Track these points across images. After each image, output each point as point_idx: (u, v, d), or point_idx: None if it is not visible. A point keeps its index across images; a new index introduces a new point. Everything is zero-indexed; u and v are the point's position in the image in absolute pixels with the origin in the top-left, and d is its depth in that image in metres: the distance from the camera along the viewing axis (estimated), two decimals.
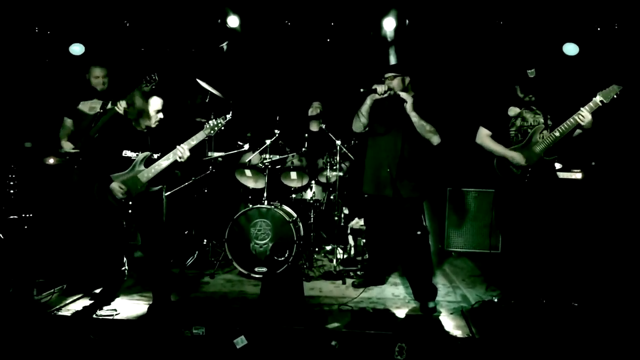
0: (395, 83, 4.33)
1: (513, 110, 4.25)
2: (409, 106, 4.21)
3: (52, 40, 6.26)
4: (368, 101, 4.33)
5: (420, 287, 4.30)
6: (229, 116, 4.72)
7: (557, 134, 4.03)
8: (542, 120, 4.14)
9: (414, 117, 4.19)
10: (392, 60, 6.20)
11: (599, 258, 5.16)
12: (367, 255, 5.26)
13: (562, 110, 4.05)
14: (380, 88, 4.22)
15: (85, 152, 4.91)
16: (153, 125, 4.12)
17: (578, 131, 4.05)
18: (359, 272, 5.19)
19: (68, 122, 5.01)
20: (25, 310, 3.94)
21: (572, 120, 3.95)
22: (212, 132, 4.12)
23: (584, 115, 3.88)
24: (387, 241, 4.73)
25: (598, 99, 3.87)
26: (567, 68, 5.63)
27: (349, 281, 4.96)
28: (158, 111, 4.11)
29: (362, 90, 4.31)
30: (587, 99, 3.92)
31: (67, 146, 4.89)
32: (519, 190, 4.21)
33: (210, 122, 4.12)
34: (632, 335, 3.52)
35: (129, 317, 3.92)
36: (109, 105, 4.88)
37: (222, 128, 4.16)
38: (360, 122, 4.44)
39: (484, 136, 4.39)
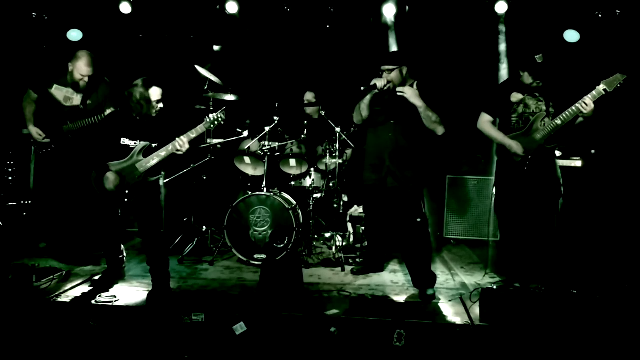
0: (394, 76, 4.24)
1: (516, 97, 4.20)
2: (413, 97, 4.11)
3: (50, 26, 6.22)
4: (368, 96, 4.28)
5: (419, 275, 4.30)
6: (230, 99, 4.68)
7: (559, 122, 4.01)
8: (544, 108, 4.12)
9: (421, 108, 4.10)
10: (392, 49, 6.14)
11: (598, 246, 5.17)
12: (366, 243, 5.26)
13: (565, 98, 4.02)
14: (380, 83, 4.19)
15: (58, 146, 4.75)
16: (153, 115, 4.11)
17: (580, 119, 4.03)
18: (358, 260, 5.19)
19: (33, 96, 4.73)
20: (24, 297, 3.94)
21: (574, 108, 3.92)
22: (212, 126, 4.10)
23: (587, 103, 3.85)
24: (386, 229, 4.73)
25: (601, 87, 3.84)
26: (570, 55, 5.60)
27: (348, 268, 4.97)
28: (158, 101, 4.10)
29: (362, 88, 4.24)
30: (591, 87, 3.89)
31: (36, 133, 4.68)
32: (518, 177, 4.21)
33: (210, 115, 4.10)
34: (631, 323, 3.53)
35: (128, 304, 3.92)
36: (90, 101, 4.73)
37: (223, 122, 4.13)
38: (360, 116, 4.42)
39: (485, 122, 4.37)
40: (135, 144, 4.06)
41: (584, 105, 3.87)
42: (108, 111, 4.47)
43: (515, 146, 4.15)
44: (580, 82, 4.04)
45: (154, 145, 4.08)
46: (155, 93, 4.06)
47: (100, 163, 4.05)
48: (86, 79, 4.68)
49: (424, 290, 4.20)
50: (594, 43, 5.75)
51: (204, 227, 5.71)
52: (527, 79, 4.15)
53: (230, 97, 5.63)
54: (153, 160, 4.04)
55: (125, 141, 4.07)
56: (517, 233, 4.34)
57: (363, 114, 4.38)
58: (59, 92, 4.71)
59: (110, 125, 4.17)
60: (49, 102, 4.72)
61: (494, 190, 4.50)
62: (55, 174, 4.83)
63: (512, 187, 4.29)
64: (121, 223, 4.40)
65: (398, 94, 4.14)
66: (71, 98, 4.72)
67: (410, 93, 4.11)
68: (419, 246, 4.29)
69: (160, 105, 4.11)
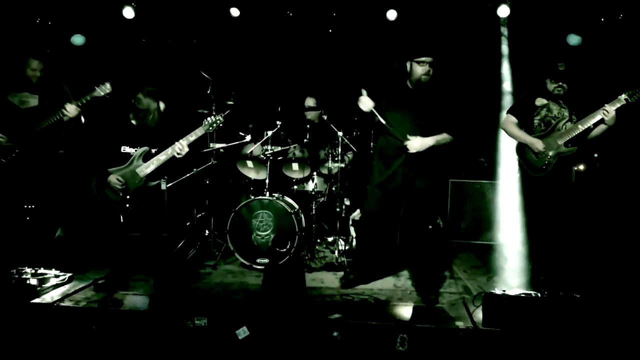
0: (430, 69, 4.10)
1: (540, 101, 4.36)
2: (425, 146, 4.06)
3: (54, 31, 6.25)
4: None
5: (424, 280, 4.30)
6: (230, 106, 4.71)
7: (580, 126, 4.15)
8: (567, 114, 4.26)
9: (435, 144, 4.10)
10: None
11: (601, 250, 5.16)
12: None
13: (588, 107, 4.15)
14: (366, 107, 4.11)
15: (22, 148, 4.73)
16: (151, 124, 4.17)
17: (603, 127, 4.15)
18: (347, 270, 4.89)
19: None
20: (27, 301, 3.94)
21: (596, 114, 4.06)
22: (210, 128, 4.15)
23: (608, 110, 3.99)
24: (387, 236, 4.67)
25: (623, 97, 3.99)
26: (593, 64, 5.65)
27: None
28: (160, 113, 4.18)
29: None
30: (614, 98, 4.02)
31: (1, 139, 4.68)
32: (536, 179, 4.31)
33: (209, 118, 4.13)
34: (633, 328, 3.52)
35: (131, 308, 3.92)
36: (47, 101, 4.77)
37: (221, 125, 4.17)
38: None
39: (509, 122, 4.49)
40: (135, 150, 4.10)
41: (605, 112, 4.00)
42: (68, 106, 4.47)
43: (537, 143, 4.26)
44: (604, 93, 4.13)
45: (153, 150, 4.12)
46: (162, 106, 4.15)
47: (101, 170, 4.07)
48: (37, 71, 4.76)
49: (428, 295, 4.20)
50: (615, 50, 5.77)
51: (207, 232, 5.72)
52: (549, 85, 4.29)
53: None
54: (152, 164, 4.07)
55: (125, 149, 4.11)
56: (541, 235, 4.38)
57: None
58: (14, 98, 4.79)
59: (111, 133, 4.20)
60: (6, 109, 4.77)
61: (517, 194, 4.57)
62: (25, 178, 4.82)
63: (533, 189, 4.38)
64: (123, 228, 4.41)
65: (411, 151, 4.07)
66: (27, 101, 4.79)
67: (419, 145, 4.06)
68: (429, 253, 4.28)
69: (156, 112, 4.20)
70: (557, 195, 4.29)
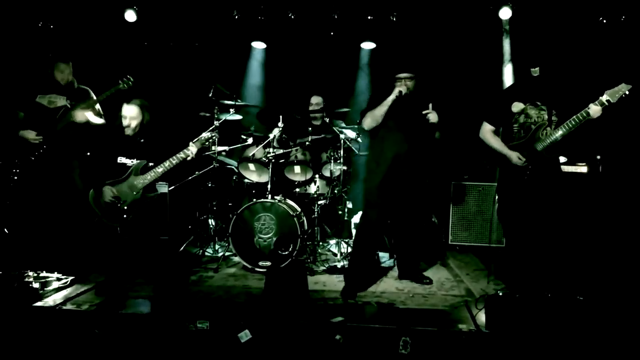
0: (411, 84, 4.44)
1: (517, 107, 4.16)
2: (436, 119, 4.40)
3: (55, 34, 6.27)
4: (390, 101, 4.34)
5: (415, 266, 4.82)
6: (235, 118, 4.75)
7: (560, 132, 3.98)
8: (546, 117, 4.07)
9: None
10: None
11: (604, 252, 5.14)
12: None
13: (569, 106, 3.98)
14: (403, 89, 4.35)
15: (49, 144, 4.90)
16: (132, 133, 4.26)
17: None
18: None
19: (21, 115, 5.02)
20: (29, 305, 3.94)
21: (576, 118, 3.91)
22: (207, 143, 4.32)
23: (592, 113, 3.84)
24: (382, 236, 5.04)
25: (604, 98, 3.83)
26: (575, 63, 5.61)
27: None
28: (132, 118, 4.22)
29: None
30: (595, 95, 3.86)
31: (31, 135, 4.86)
32: (519, 186, 4.18)
33: (203, 134, 4.36)
34: (637, 330, 3.51)
35: (132, 312, 3.92)
36: (73, 102, 4.97)
37: (214, 142, 4.57)
38: (376, 122, 4.45)
39: (486, 131, 4.36)
40: (132, 162, 4.15)
41: (588, 113, 3.85)
42: (74, 112, 4.71)
43: (515, 157, 4.12)
44: (584, 90, 4.00)
45: (150, 163, 4.18)
46: (125, 111, 4.21)
47: (99, 182, 4.11)
48: (66, 74, 5.00)
49: (418, 274, 4.76)
50: (600, 49, 5.75)
51: (208, 234, 5.71)
52: (524, 89, 4.18)
53: (235, 117, 5.72)
54: (150, 176, 4.14)
55: (122, 159, 4.16)
56: (521, 240, 4.30)
57: (380, 120, 4.44)
58: (43, 99, 4.98)
59: (107, 144, 4.24)
60: (36, 109, 4.96)
61: (496, 198, 4.48)
62: (49, 176, 4.95)
63: (513, 196, 4.25)
64: (123, 232, 4.41)
65: (430, 119, 4.38)
66: (55, 101, 4.97)
67: (434, 117, 4.39)
68: (417, 244, 4.78)
69: (136, 121, 4.25)
70: (545, 198, 4.13)
